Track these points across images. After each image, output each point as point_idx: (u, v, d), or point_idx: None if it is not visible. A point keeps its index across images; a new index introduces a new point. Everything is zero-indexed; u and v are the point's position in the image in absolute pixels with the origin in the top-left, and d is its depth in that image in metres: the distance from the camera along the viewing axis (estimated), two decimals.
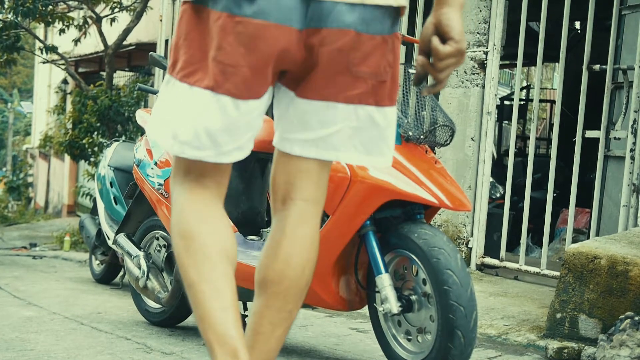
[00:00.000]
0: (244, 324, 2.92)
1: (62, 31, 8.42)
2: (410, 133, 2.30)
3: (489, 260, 4.25)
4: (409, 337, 2.29)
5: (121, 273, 4.88)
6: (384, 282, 2.21)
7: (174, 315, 3.04)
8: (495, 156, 7.47)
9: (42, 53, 8.40)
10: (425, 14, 4.55)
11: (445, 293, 2.09)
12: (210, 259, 1.57)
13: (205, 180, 1.57)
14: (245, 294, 2.68)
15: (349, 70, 1.48)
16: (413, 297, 2.24)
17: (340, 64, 1.47)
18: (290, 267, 1.56)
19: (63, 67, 9.12)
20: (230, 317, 1.49)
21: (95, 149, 8.11)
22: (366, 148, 1.56)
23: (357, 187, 2.22)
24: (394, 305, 2.18)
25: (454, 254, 2.14)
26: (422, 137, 2.31)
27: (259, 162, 2.97)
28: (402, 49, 4.66)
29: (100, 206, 4.46)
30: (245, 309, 2.95)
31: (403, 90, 2.38)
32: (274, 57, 1.44)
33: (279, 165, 1.62)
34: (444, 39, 1.49)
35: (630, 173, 3.64)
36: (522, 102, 8.72)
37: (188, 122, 1.47)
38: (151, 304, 3.14)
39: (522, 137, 8.98)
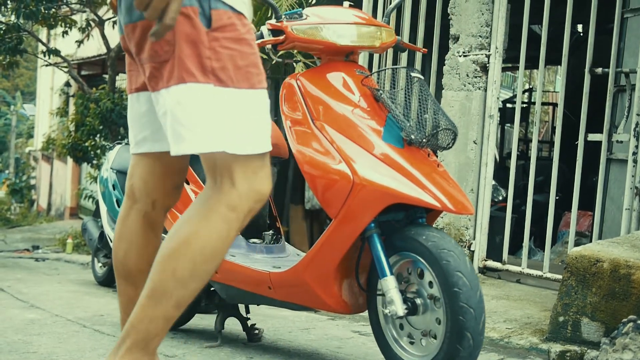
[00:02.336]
0: (248, 327, 2.94)
1: (64, 34, 8.44)
2: (413, 136, 2.30)
3: (491, 263, 4.25)
4: (412, 340, 2.29)
5: None
6: (389, 284, 2.21)
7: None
8: (498, 159, 7.48)
9: (44, 56, 8.42)
10: (428, 17, 4.55)
11: (456, 295, 2.08)
12: (120, 276, 1.87)
13: (130, 187, 1.83)
14: (248, 297, 2.68)
15: (137, 60, 1.59)
16: (418, 300, 2.24)
17: (131, 56, 1.62)
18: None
19: (66, 69, 9.15)
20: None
21: (98, 151, 8.13)
22: (172, 136, 1.55)
23: (359, 190, 2.22)
24: (399, 308, 2.19)
25: (462, 257, 2.15)
26: (424, 140, 2.31)
27: None
28: (404, 57, 4.67)
29: (103, 209, 4.47)
30: (248, 311, 2.95)
31: (405, 94, 2.38)
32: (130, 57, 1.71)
33: None
34: None
35: (632, 176, 3.64)
36: (524, 105, 8.72)
37: None
38: None
39: (525, 140, 8.99)
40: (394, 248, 2.28)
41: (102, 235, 4.83)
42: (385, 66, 4.75)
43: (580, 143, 3.90)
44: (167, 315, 1.58)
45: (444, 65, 4.36)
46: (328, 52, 2.50)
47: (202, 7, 1.52)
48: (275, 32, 2.44)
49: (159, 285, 1.57)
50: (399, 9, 4.64)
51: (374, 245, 2.25)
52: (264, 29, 2.44)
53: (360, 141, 2.30)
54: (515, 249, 5.09)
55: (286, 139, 2.95)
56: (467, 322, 2.07)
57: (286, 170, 5.99)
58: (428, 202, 2.19)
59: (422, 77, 2.38)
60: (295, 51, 5.37)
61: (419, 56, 4.55)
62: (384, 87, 2.43)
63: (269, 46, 2.45)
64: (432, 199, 2.19)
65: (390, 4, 4.66)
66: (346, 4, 2.77)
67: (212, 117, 1.53)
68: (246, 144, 1.57)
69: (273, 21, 2.47)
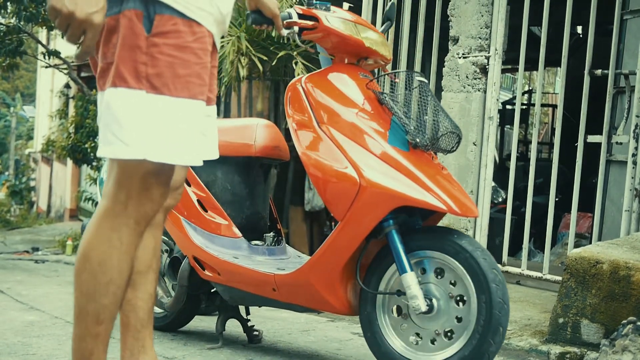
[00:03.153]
0: (248, 329, 2.93)
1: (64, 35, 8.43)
2: (418, 140, 2.32)
3: None
4: (418, 340, 2.30)
5: None
6: (410, 280, 2.24)
7: (176, 320, 3.04)
8: (498, 160, 7.48)
9: (44, 57, 8.42)
10: (428, 17, 4.56)
11: (494, 291, 2.16)
12: None
13: None
14: (251, 299, 2.68)
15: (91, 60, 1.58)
16: (434, 300, 2.26)
17: None
18: None
19: (65, 71, 9.14)
20: None
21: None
22: (101, 138, 1.53)
23: (366, 193, 2.24)
24: (422, 303, 2.22)
25: (491, 256, 2.24)
26: (429, 143, 2.33)
27: (262, 167, 2.99)
28: (403, 59, 4.67)
29: None
30: (248, 313, 2.95)
31: (405, 97, 2.39)
32: None
33: None
34: None
35: (632, 178, 3.64)
36: (524, 107, 8.71)
37: None
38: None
39: (524, 142, 8.98)
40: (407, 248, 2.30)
41: None
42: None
43: (580, 145, 3.90)
44: (92, 332, 1.56)
45: (444, 66, 4.36)
46: (349, 50, 2.51)
47: (147, 11, 1.49)
48: (305, 17, 2.43)
49: (76, 303, 1.57)
50: (399, 9, 4.65)
51: (393, 241, 2.28)
52: (293, 11, 2.42)
53: (366, 144, 2.31)
54: (515, 250, 5.09)
55: (286, 141, 2.96)
56: (502, 316, 2.15)
57: (286, 172, 5.99)
58: (434, 204, 2.22)
59: (425, 80, 2.40)
60: (295, 52, 5.37)
61: (418, 58, 4.56)
62: (387, 90, 2.44)
63: (296, 29, 2.42)
64: (438, 201, 2.22)
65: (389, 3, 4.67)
66: (345, 5, 2.77)
67: (140, 124, 1.49)
68: (171, 154, 1.52)
69: (304, 7, 2.46)
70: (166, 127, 1.50)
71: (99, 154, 1.54)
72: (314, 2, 2.48)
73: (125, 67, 1.48)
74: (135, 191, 1.54)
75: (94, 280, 1.54)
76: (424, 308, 2.22)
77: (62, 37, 1.39)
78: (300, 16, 2.43)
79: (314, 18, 2.43)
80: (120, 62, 1.48)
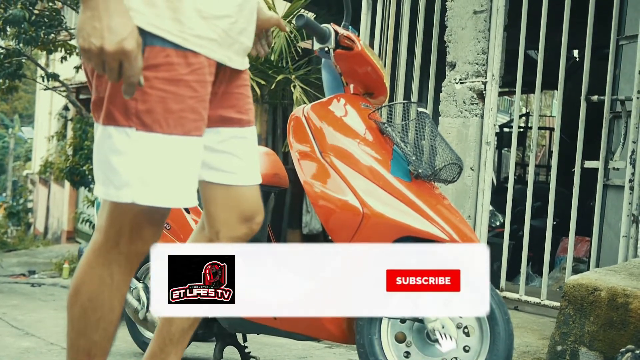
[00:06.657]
0: (246, 356, 2.91)
1: (63, 59, 8.49)
2: (420, 170, 2.33)
3: None
4: None
5: None
6: None
7: None
8: (495, 183, 7.47)
9: (43, 80, 8.46)
10: (425, 40, 4.58)
11: (508, 322, 2.27)
12: None
13: (202, 213, 1.81)
14: (251, 326, 2.66)
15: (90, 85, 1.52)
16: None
17: None
18: None
19: (64, 94, 9.18)
20: None
21: None
22: (95, 175, 1.48)
23: (369, 223, 2.25)
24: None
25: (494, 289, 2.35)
26: (431, 174, 2.34)
27: (262, 194, 2.98)
28: (401, 84, 4.70)
29: None
30: (245, 340, 2.93)
31: (408, 127, 2.41)
32: None
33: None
34: None
35: (629, 203, 3.64)
36: (521, 130, 8.74)
37: None
38: (149, 335, 3.11)
39: (522, 164, 9.00)
40: None
41: None
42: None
43: (577, 170, 3.91)
44: None
45: (441, 92, 4.38)
46: (364, 81, 2.53)
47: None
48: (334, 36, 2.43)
49: (68, 337, 1.55)
50: (396, 31, 4.68)
51: None
52: (331, 28, 2.42)
53: (368, 174, 2.33)
54: (513, 274, 5.07)
55: (285, 164, 2.97)
56: (511, 347, 2.25)
57: (283, 196, 5.99)
58: (436, 234, 2.24)
59: (426, 111, 2.42)
60: (293, 76, 5.39)
61: (415, 83, 4.58)
62: (389, 121, 2.45)
63: (332, 44, 2.41)
64: (440, 231, 2.24)
65: (387, 29, 4.70)
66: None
67: (129, 165, 1.41)
68: (163, 197, 1.45)
69: (342, 30, 2.46)
70: (158, 167, 1.43)
71: (95, 192, 1.50)
72: (349, 26, 2.50)
73: (114, 104, 1.40)
74: (126, 229, 1.49)
75: (84, 316, 1.51)
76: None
77: (104, 72, 1.31)
78: (339, 35, 2.43)
79: (351, 40, 2.44)
80: (109, 99, 1.41)
